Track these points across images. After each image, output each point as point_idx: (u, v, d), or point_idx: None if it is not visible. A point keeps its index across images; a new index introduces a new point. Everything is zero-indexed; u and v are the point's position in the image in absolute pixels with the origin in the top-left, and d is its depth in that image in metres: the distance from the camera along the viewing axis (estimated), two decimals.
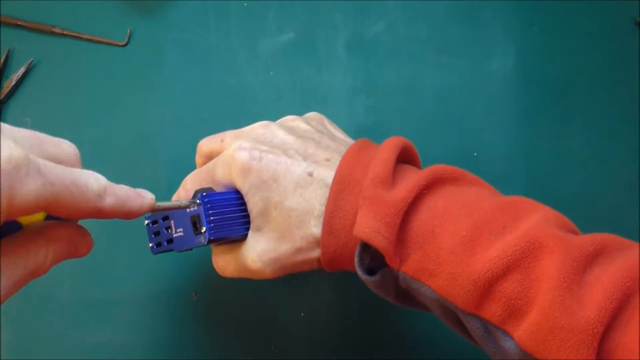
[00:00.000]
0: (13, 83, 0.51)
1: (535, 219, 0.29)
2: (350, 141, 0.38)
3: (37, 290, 0.47)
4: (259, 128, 0.37)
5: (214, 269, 0.48)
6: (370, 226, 0.30)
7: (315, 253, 0.33)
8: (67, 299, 0.48)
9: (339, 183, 0.32)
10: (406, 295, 0.33)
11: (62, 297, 0.48)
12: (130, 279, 0.47)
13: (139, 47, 0.52)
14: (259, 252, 0.34)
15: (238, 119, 0.50)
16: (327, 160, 0.34)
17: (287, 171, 0.33)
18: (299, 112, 0.50)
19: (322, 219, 0.32)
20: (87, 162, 0.50)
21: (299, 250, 0.33)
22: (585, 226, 0.48)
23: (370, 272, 0.32)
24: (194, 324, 0.47)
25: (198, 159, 0.41)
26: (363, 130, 0.50)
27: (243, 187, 0.34)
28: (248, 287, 0.47)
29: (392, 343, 0.46)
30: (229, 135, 0.38)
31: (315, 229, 0.33)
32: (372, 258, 0.32)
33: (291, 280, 0.47)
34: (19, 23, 0.52)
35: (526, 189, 0.49)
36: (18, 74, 0.51)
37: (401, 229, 0.31)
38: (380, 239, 0.30)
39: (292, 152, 0.34)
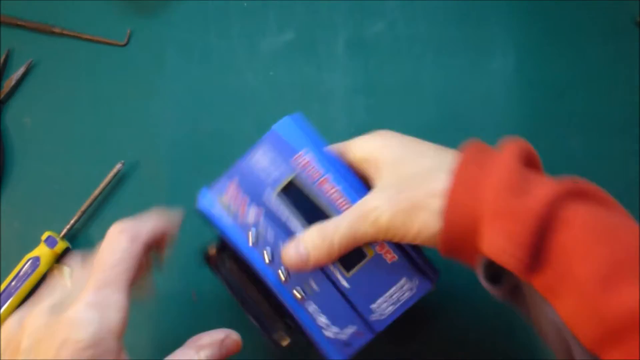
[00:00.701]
0: (13, 83, 0.51)
1: None
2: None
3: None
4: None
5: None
6: (500, 246, 0.28)
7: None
8: None
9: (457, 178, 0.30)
10: (524, 299, 0.31)
11: None
12: None
13: (139, 47, 0.52)
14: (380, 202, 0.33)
15: (238, 119, 0.51)
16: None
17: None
18: (299, 112, 0.50)
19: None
20: (88, 162, 0.50)
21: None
22: None
23: (493, 277, 0.31)
24: (194, 324, 0.47)
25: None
26: (363, 130, 0.50)
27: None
28: None
29: (391, 343, 0.46)
30: None
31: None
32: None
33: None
34: (19, 23, 0.52)
35: None
36: (18, 74, 0.51)
37: (534, 244, 0.27)
38: (513, 261, 0.27)
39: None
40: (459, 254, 0.31)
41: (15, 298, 0.46)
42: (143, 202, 0.49)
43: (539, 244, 0.27)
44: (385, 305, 0.35)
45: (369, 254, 0.35)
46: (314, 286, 0.35)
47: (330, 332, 0.35)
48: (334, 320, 0.35)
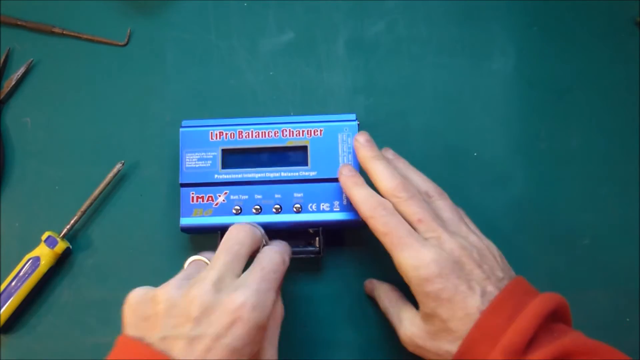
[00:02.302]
0: (13, 83, 0.51)
1: None
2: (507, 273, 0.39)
3: (38, 291, 0.47)
4: (460, 251, 0.38)
5: None
6: None
7: None
8: (68, 299, 0.48)
9: (477, 329, 0.35)
10: None
11: (62, 297, 0.48)
12: (131, 279, 0.47)
13: (139, 47, 0.52)
14: (412, 334, 0.39)
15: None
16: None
17: (464, 301, 0.36)
18: (299, 112, 0.51)
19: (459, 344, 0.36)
20: (88, 162, 0.50)
21: (437, 355, 0.37)
22: (586, 226, 0.48)
23: None
24: None
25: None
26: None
27: (425, 287, 0.37)
28: None
29: (390, 344, 0.47)
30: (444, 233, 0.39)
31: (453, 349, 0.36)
32: None
33: (291, 282, 0.47)
34: (19, 23, 0.52)
35: (526, 189, 0.49)
36: (18, 73, 0.51)
37: None
38: None
39: (473, 283, 0.37)
40: None
41: (15, 298, 0.46)
42: (143, 202, 0.49)
43: None
44: (346, 159, 0.44)
45: (306, 143, 0.44)
46: (299, 195, 0.44)
47: (336, 207, 0.44)
48: (330, 198, 0.44)
